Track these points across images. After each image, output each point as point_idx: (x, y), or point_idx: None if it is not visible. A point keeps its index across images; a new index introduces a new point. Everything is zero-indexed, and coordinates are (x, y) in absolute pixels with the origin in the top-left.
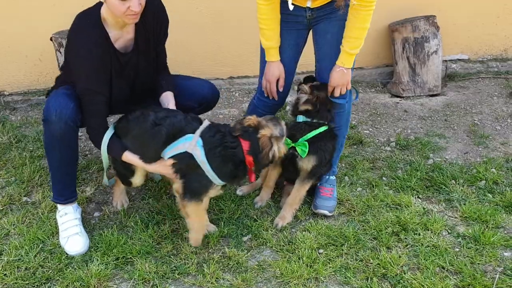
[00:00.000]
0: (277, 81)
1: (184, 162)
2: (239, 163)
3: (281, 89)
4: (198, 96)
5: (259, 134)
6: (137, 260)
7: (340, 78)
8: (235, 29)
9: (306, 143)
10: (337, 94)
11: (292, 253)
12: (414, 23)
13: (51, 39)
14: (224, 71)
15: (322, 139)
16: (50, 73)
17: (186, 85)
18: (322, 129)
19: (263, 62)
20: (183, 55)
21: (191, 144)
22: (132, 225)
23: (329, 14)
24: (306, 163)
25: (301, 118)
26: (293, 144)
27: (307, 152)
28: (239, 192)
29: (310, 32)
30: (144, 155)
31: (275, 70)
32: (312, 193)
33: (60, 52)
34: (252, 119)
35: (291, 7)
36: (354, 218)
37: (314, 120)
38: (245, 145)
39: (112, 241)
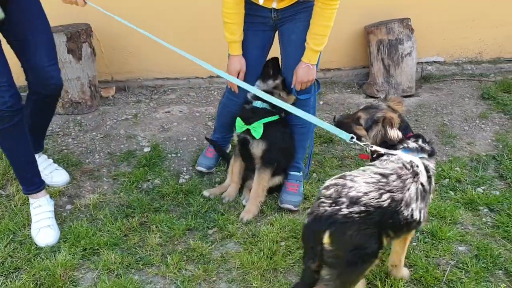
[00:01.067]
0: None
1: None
2: None
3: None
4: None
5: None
6: (103, 251)
7: (306, 74)
8: (215, 29)
9: (261, 124)
10: (298, 88)
11: (254, 246)
12: (388, 25)
13: None
14: (204, 70)
15: (272, 126)
16: None
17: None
18: (275, 117)
19: None
20: (162, 54)
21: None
22: (101, 217)
23: (294, 15)
24: (256, 148)
25: (259, 104)
26: (247, 127)
27: (260, 134)
28: (205, 193)
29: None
30: None
31: (237, 64)
32: (280, 189)
33: None
34: (393, 117)
35: (261, 1)
36: None
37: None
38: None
39: (81, 232)
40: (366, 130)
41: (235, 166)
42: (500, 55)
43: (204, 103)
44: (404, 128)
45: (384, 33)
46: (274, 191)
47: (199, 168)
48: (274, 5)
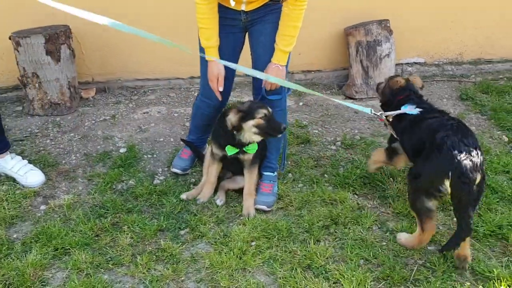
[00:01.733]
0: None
1: None
2: None
3: (220, 88)
4: None
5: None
6: (74, 251)
7: (275, 74)
8: (194, 30)
9: (256, 144)
10: (268, 88)
11: (225, 246)
12: (367, 27)
13: (9, 38)
14: (184, 71)
15: None
16: (8, 71)
17: None
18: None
19: (203, 64)
20: (142, 55)
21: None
22: (74, 218)
23: (263, 17)
24: (246, 156)
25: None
26: (242, 148)
27: (255, 151)
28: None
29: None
30: None
31: (214, 69)
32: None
33: (18, 51)
34: (399, 80)
35: (232, 3)
36: (291, 213)
37: None
38: None
39: (53, 232)
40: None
41: (212, 168)
42: (480, 56)
43: (184, 103)
44: (403, 89)
45: (363, 34)
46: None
47: (174, 169)
48: (243, 7)
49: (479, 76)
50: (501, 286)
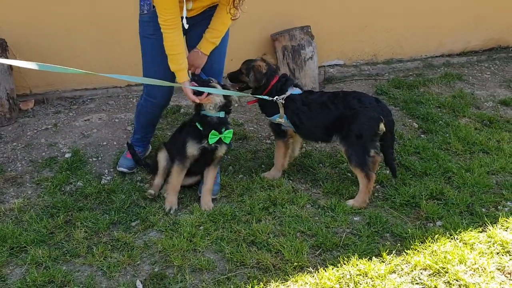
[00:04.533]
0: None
1: None
2: None
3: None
4: None
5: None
6: (30, 248)
7: (195, 58)
8: (130, 40)
9: (232, 130)
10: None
11: (175, 232)
12: (291, 32)
13: None
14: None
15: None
16: None
17: None
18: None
19: (146, 67)
20: (78, 64)
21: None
22: (27, 219)
23: (201, 21)
24: (222, 150)
25: (222, 114)
26: (220, 136)
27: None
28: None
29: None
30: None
31: (189, 89)
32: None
33: None
34: (261, 64)
35: (186, 26)
36: (234, 199)
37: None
38: None
39: (7, 233)
40: (247, 76)
41: (180, 175)
42: (392, 56)
43: (123, 110)
44: (271, 73)
45: (288, 39)
46: (193, 185)
47: (120, 169)
48: (185, 14)
49: (392, 74)
50: (415, 242)
